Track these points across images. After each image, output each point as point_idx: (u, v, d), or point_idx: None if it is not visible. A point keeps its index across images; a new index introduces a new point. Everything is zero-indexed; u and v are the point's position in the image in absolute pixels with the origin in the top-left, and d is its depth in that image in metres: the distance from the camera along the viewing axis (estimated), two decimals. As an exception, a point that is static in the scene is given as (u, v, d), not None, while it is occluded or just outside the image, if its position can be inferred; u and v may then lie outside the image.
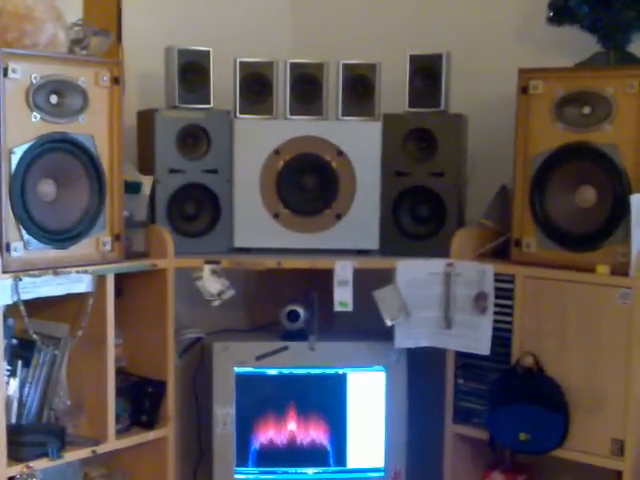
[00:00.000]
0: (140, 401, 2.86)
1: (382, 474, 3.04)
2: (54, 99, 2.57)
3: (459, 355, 2.88)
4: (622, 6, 2.73)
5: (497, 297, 2.79)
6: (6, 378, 2.56)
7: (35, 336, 2.59)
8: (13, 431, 2.55)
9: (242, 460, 3.01)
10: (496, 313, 2.79)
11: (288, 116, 3.01)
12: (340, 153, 2.98)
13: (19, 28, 2.55)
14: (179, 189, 2.96)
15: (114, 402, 2.73)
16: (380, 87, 3.00)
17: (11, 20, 2.55)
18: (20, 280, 2.49)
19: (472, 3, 3.22)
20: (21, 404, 2.63)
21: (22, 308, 2.50)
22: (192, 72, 2.96)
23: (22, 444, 2.54)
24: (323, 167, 2.99)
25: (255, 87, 3.01)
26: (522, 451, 2.81)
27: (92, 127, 2.64)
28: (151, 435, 2.86)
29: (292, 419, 3.01)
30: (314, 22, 3.50)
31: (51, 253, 2.59)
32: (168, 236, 2.86)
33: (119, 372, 2.79)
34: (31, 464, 2.55)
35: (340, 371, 3.01)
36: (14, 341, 2.60)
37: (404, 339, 2.90)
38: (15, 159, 2.49)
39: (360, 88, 3.01)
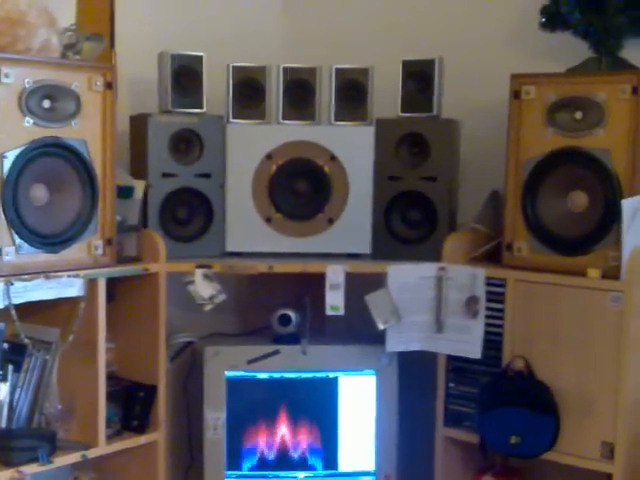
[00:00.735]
0: (131, 406, 2.86)
1: (373, 477, 3.04)
2: (47, 104, 2.57)
3: (450, 359, 2.88)
4: (614, 12, 2.74)
5: (488, 301, 2.79)
6: (-3, 382, 2.57)
7: (26, 340, 2.58)
8: (3, 436, 2.55)
9: (233, 464, 3.00)
10: (487, 317, 2.80)
11: (281, 121, 3.02)
12: (332, 158, 2.99)
13: (12, 33, 2.55)
14: (171, 193, 2.96)
15: (105, 407, 2.72)
16: (373, 92, 3.00)
17: (4, 25, 2.55)
18: (11, 284, 2.49)
19: (464, 9, 3.22)
20: (11, 408, 2.62)
21: (13, 312, 2.50)
22: (185, 77, 2.96)
23: (12, 449, 2.54)
24: (315, 172, 3.00)
25: (248, 92, 3.01)
26: (513, 454, 2.81)
27: (85, 132, 2.64)
28: (142, 440, 2.86)
29: (283, 423, 3.01)
30: (307, 27, 3.51)
31: (42, 257, 2.59)
32: (160, 240, 2.86)
33: (110, 376, 2.78)
34: (21, 469, 2.54)
35: (331, 375, 3.01)
36: (5, 345, 2.60)
37: (395, 343, 2.90)
38: (7, 163, 2.49)
39: (353, 93, 3.02)
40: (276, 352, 2.98)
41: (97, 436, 2.71)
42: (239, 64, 3.01)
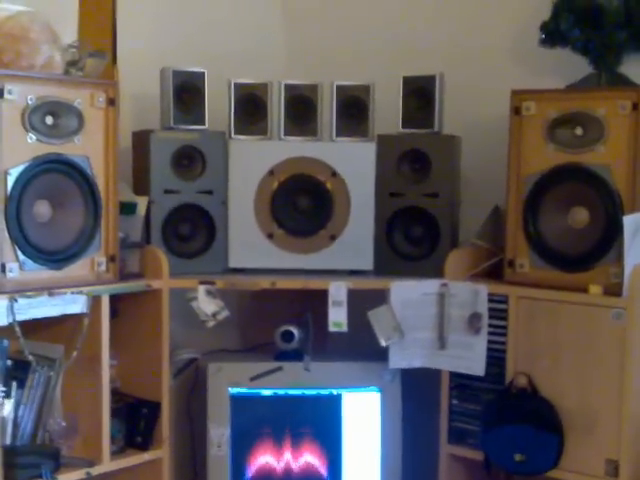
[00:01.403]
0: (135, 422, 2.86)
1: (377, 495, 3.04)
2: (50, 120, 2.58)
3: (453, 375, 2.88)
4: (613, 28, 2.75)
5: (491, 317, 2.80)
6: (0, 399, 2.55)
7: (30, 357, 2.58)
8: (7, 452, 2.53)
9: (237, 481, 3.01)
10: (490, 333, 2.80)
11: (282, 137, 3.03)
12: (334, 174, 2.99)
13: (15, 49, 2.56)
14: (174, 210, 2.96)
15: (109, 423, 2.72)
16: (374, 108, 3.01)
17: (7, 41, 2.56)
18: (15, 301, 2.49)
19: (465, 25, 3.24)
20: (15, 425, 2.61)
21: (17, 329, 2.50)
22: (187, 93, 2.97)
23: (16, 466, 2.53)
24: (317, 188, 3.00)
25: (250, 108, 3.02)
26: (517, 472, 2.80)
27: (87, 148, 2.65)
28: (146, 456, 2.86)
29: (287, 440, 3.00)
30: (308, 43, 3.52)
31: (46, 274, 2.59)
32: (163, 257, 2.86)
33: (114, 393, 2.78)
34: (25, 486, 2.54)
35: (335, 391, 3.00)
36: (9, 362, 2.59)
37: (398, 359, 2.90)
38: (11, 180, 2.50)
39: (354, 109, 3.03)
40: (279, 369, 2.98)
41: (101, 453, 2.70)
42: (241, 80, 3.02)
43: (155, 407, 2.87)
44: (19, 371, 2.63)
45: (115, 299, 2.76)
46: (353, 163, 3.00)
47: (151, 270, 2.86)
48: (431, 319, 2.87)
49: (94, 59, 2.79)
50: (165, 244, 2.94)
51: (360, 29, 3.43)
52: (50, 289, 2.57)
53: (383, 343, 2.87)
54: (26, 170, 2.53)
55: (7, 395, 2.59)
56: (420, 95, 2.99)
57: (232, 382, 2.97)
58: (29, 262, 2.55)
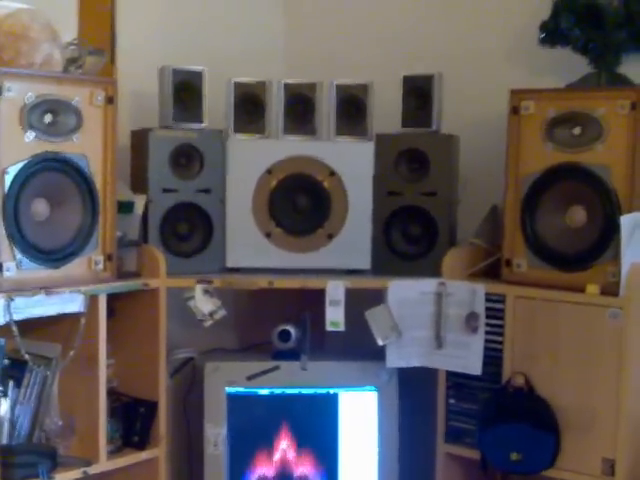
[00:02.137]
0: (131, 421, 2.86)
1: (374, 494, 3.04)
2: (48, 118, 2.57)
3: (450, 375, 2.88)
4: (613, 28, 2.75)
5: (488, 317, 2.80)
6: (-3, 399, 2.56)
7: (27, 356, 2.58)
8: (4, 452, 2.53)
9: (234, 481, 3.00)
10: (487, 333, 2.80)
11: (281, 136, 3.03)
12: (332, 173, 2.99)
13: (15, 48, 2.56)
14: (172, 208, 2.96)
15: (105, 422, 2.72)
16: (372, 107, 3.01)
17: (7, 39, 2.56)
18: (12, 300, 2.49)
19: (464, 25, 3.24)
20: (12, 424, 2.60)
21: (14, 328, 2.50)
22: (186, 92, 2.97)
23: (13, 465, 2.52)
24: (315, 187, 3.00)
25: (248, 107, 3.02)
26: (513, 471, 2.80)
27: (86, 146, 2.65)
28: (143, 456, 2.86)
29: (284, 439, 3.00)
30: (307, 43, 3.52)
31: (43, 273, 2.58)
32: (160, 256, 2.86)
33: (110, 392, 2.78)
34: (22, 485, 2.54)
35: (332, 391, 3.00)
36: (5, 361, 2.59)
37: (395, 359, 2.90)
38: (9, 178, 2.49)
39: (353, 108, 3.03)
40: (276, 368, 2.98)
41: (98, 452, 2.70)
42: (240, 79, 3.02)
43: (152, 406, 2.87)
44: (16, 370, 2.62)
45: (112, 298, 2.75)
46: (351, 162, 3.00)
47: (148, 269, 2.86)
48: (428, 318, 2.87)
49: (93, 57, 2.79)
50: (163, 243, 2.94)
51: (359, 29, 3.43)
52: (47, 288, 2.56)
53: (380, 342, 2.87)
54: (24, 168, 2.52)
55: (4, 394, 2.58)
56: (419, 94, 2.99)
57: (229, 381, 2.96)
58: (26, 261, 2.54)
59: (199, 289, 2.87)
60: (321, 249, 3.01)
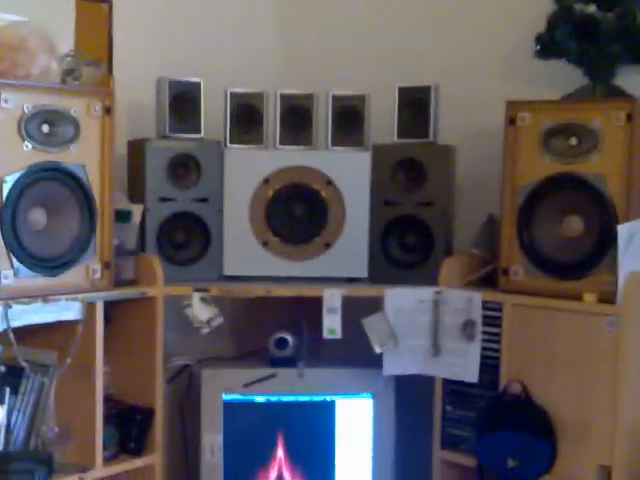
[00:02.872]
0: (128, 428, 2.86)
1: (370, 502, 3.04)
2: (46, 129, 2.58)
3: (447, 382, 2.89)
4: (608, 40, 2.77)
5: (485, 325, 2.80)
6: (-6, 405, 2.57)
7: (24, 363, 2.58)
8: (0, 458, 2.54)
9: (230, 488, 3.01)
10: (484, 341, 2.81)
11: (278, 146, 3.04)
12: (329, 183, 3.01)
13: (12, 59, 2.58)
14: (169, 218, 2.97)
15: (102, 429, 2.72)
16: (369, 118, 3.03)
17: (4, 51, 2.58)
18: (10, 307, 2.50)
19: (460, 36, 3.25)
20: (8, 431, 2.61)
21: (11, 335, 2.50)
22: (183, 102, 2.99)
23: (9, 472, 2.52)
24: (312, 196, 3.01)
25: (245, 117, 3.04)
26: (510, 478, 2.79)
27: (83, 156, 2.66)
28: (139, 462, 2.86)
29: (280, 446, 3.00)
30: (304, 53, 3.53)
31: (41, 281, 2.59)
32: (158, 264, 2.87)
33: (107, 399, 2.78)
34: (18, 491, 2.54)
35: (328, 398, 3.01)
36: (2, 368, 2.59)
37: (392, 366, 2.91)
38: (6, 188, 2.51)
39: (349, 119, 3.04)
40: (273, 375, 2.99)
41: (94, 459, 2.70)
42: (237, 90, 3.04)
43: (148, 413, 2.87)
44: (12, 377, 2.63)
45: (109, 306, 2.76)
46: (348, 172, 3.01)
47: (146, 277, 2.86)
48: (425, 326, 2.88)
49: (90, 68, 2.81)
50: (160, 252, 2.95)
51: (356, 39, 3.45)
52: (45, 296, 2.57)
53: (377, 350, 2.88)
54: (22, 178, 2.54)
55: (0, 401, 2.59)
56: (415, 105, 3.01)
57: (226, 388, 2.97)
58: (24, 269, 2.55)
59: (196, 297, 2.88)
60: (318, 258, 3.02)
